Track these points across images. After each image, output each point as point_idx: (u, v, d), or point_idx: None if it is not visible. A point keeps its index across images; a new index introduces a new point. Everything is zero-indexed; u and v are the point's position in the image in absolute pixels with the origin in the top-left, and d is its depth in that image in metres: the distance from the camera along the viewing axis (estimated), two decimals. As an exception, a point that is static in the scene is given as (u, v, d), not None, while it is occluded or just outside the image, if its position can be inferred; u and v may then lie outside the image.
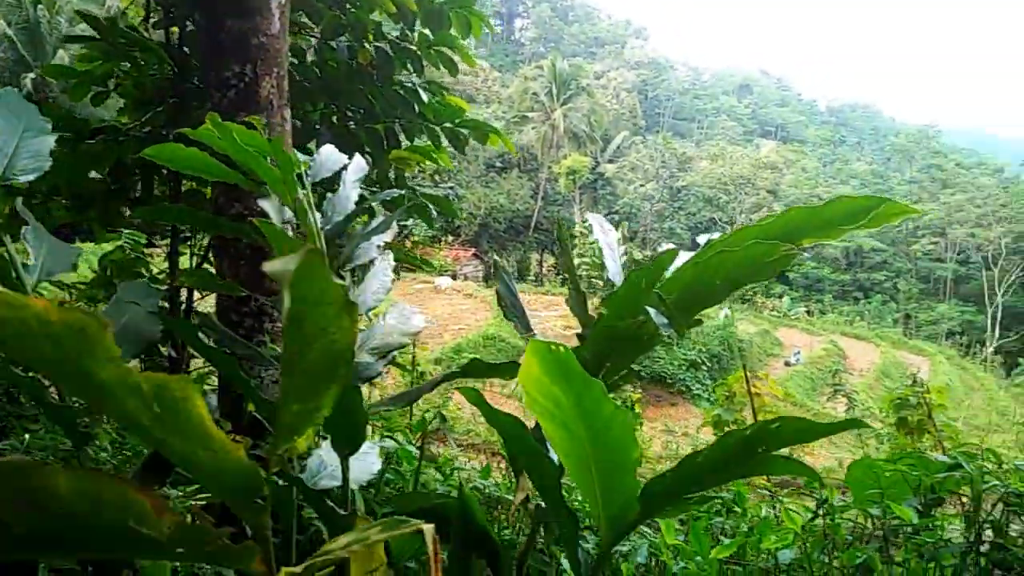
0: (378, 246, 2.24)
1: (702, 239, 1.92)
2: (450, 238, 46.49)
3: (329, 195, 2.20)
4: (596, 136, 59.48)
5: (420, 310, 2.39)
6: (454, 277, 41.36)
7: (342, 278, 2.10)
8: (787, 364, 36.48)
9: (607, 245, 2.21)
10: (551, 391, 1.26)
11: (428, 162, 4.81)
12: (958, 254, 55.71)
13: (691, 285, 1.68)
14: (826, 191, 59.83)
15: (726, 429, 6.30)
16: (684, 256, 1.88)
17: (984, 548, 2.62)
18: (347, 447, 1.71)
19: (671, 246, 1.98)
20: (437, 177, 51.94)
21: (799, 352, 37.52)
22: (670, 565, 2.27)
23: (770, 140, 73.97)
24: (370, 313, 2.18)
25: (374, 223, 2.18)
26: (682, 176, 58.43)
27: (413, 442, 3.52)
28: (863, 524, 3.01)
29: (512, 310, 1.98)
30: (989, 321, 52.54)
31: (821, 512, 2.92)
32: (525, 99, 59.64)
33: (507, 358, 25.83)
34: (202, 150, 1.83)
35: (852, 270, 59.69)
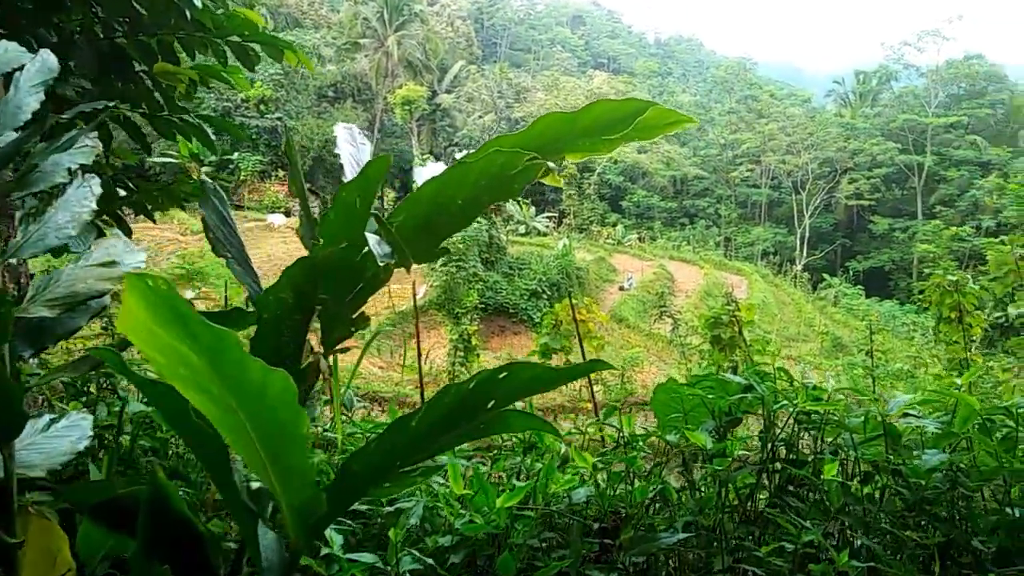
0: (73, 168, 1.76)
1: (459, 155, 1.62)
2: (281, 173, 44.07)
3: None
4: (432, 65, 57.99)
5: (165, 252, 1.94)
6: (288, 214, 39.38)
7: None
8: (621, 289, 38.19)
9: (351, 162, 1.83)
10: (172, 347, 0.91)
11: (223, 84, 4.20)
12: (772, 180, 60.13)
13: (431, 205, 1.39)
14: (655, 121, 62.17)
15: (553, 357, 6.28)
16: (433, 169, 1.57)
17: (777, 466, 2.64)
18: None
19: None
20: (263, 107, 48.85)
21: (632, 277, 39.33)
22: (453, 521, 2.05)
23: (603, 72, 75.48)
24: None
25: (67, 140, 1.72)
26: (519, 107, 58.51)
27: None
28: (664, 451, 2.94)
29: (224, 243, 1.60)
30: (798, 241, 57.51)
31: (621, 443, 2.83)
32: (356, 24, 56.84)
33: (346, 296, 24.92)
34: None
35: (679, 198, 62.95)
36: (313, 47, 50.48)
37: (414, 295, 8.55)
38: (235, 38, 4.23)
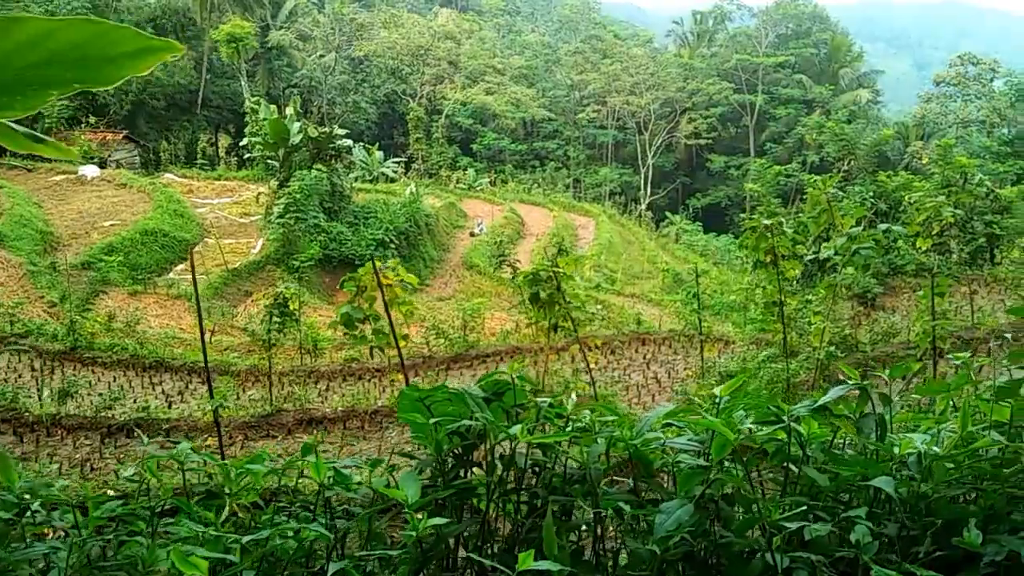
0: None
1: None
2: (92, 119, 39.76)
3: None
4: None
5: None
6: (103, 165, 35.68)
7: None
8: (472, 234, 37.79)
9: None
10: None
11: None
12: (617, 121, 61.25)
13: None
14: (502, 62, 61.42)
15: (358, 328, 5.62)
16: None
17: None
18: None
19: None
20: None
21: (482, 222, 38.99)
22: None
23: (449, 8, 73.34)
24: None
25: None
26: (361, 45, 55.80)
27: None
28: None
29: None
30: (642, 181, 59.27)
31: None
32: (175, -48, 51.63)
33: (174, 254, 22.71)
34: None
35: (529, 140, 62.96)
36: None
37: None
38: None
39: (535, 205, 46.66)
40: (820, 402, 1.89)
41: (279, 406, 8.95)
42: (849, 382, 2.02)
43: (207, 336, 20.81)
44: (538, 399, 2.12)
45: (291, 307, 8.92)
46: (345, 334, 5.78)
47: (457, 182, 50.40)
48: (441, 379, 12.31)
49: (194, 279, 5.56)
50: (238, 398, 11.54)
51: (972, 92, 58.60)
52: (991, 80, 58.64)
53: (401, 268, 5.51)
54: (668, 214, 53.26)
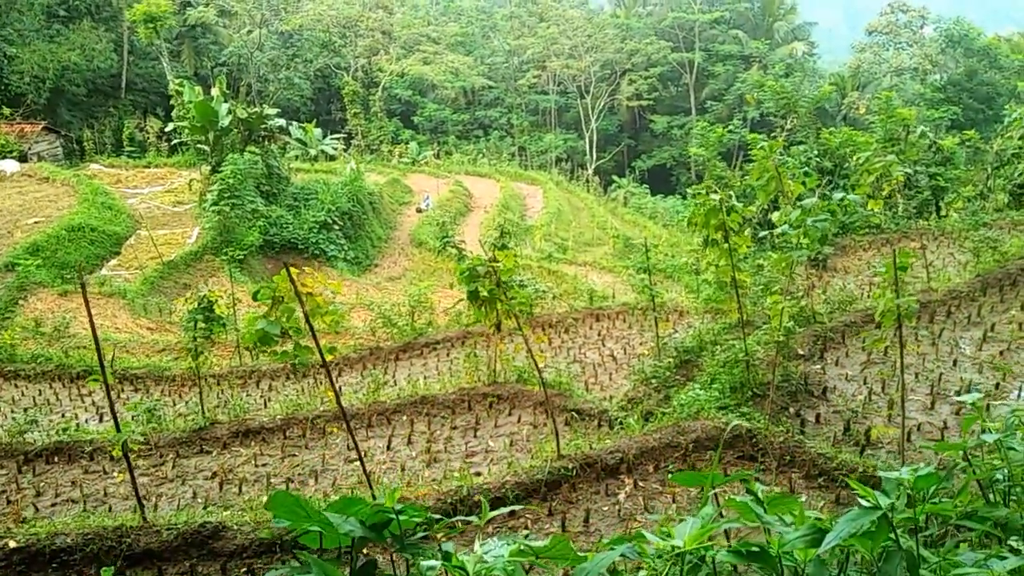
0: None
1: None
2: (7, 111, 37.53)
3: None
4: (184, -24, 51.46)
5: None
6: (23, 159, 33.71)
7: None
8: (418, 211, 36.95)
9: None
10: None
11: None
12: (558, 85, 60.52)
13: None
14: (437, 30, 59.95)
15: (275, 347, 5.06)
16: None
17: None
18: None
19: None
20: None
21: (428, 197, 38.14)
22: None
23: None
24: None
25: None
26: (288, 19, 53.79)
27: None
28: None
29: None
30: (588, 145, 58.86)
31: None
32: (83, -72, 48.68)
33: (104, 250, 21.52)
34: None
35: (471, 109, 61.88)
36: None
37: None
38: None
39: (481, 176, 45.90)
40: (828, 543, 1.46)
41: (212, 417, 8.35)
42: (864, 504, 1.59)
43: (148, 334, 19.81)
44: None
45: (218, 310, 8.25)
46: (261, 350, 5.22)
47: (400, 156, 49.26)
48: (390, 372, 11.81)
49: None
50: (174, 405, 10.88)
51: (904, 40, 59.43)
52: (921, 27, 59.51)
53: (321, 274, 4.96)
54: (615, 178, 53.03)
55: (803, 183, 7.50)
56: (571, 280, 23.80)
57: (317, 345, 4.90)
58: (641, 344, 11.73)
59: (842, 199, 6.00)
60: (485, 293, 5.50)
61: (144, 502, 7.71)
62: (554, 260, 27.76)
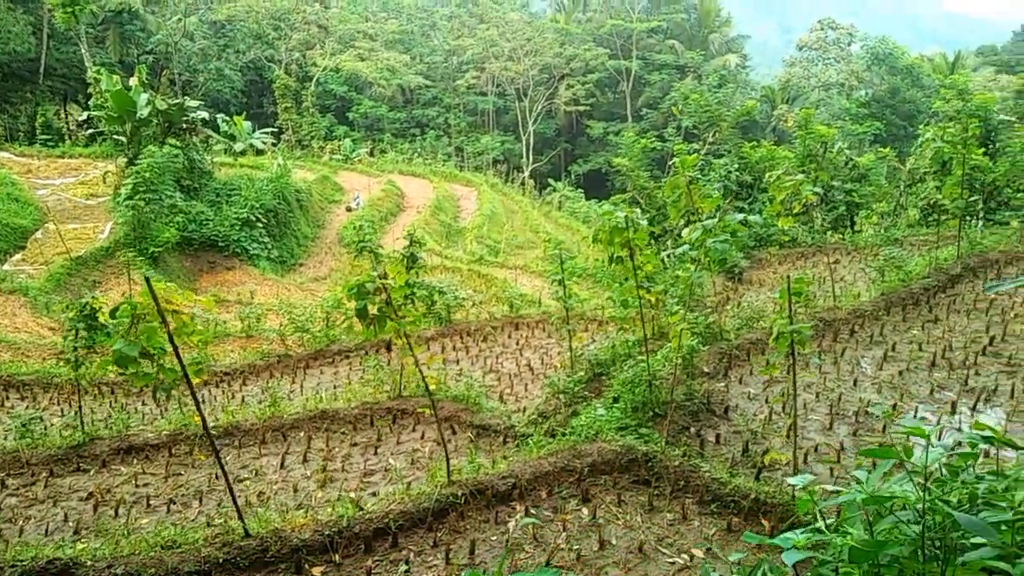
0: None
1: None
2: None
3: None
4: (108, -43, 49.34)
5: None
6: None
7: None
8: (348, 209, 36.21)
9: None
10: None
11: None
12: (497, 87, 60.37)
13: None
14: (375, 27, 59.06)
15: (135, 370, 4.64)
16: None
17: None
18: None
19: None
20: None
21: (359, 196, 37.41)
22: None
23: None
24: None
25: None
26: (219, 9, 52.15)
27: None
28: None
29: None
30: (524, 148, 58.86)
31: None
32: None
33: (8, 244, 20.23)
34: None
35: (408, 108, 61.15)
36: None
37: None
38: None
39: (415, 176, 45.33)
40: None
41: (93, 433, 7.79)
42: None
43: (49, 335, 18.69)
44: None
45: (101, 317, 7.69)
46: (120, 375, 4.81)
47: (332, 153, 48.26)
48: (298, 381, 11.36)
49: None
50: (61, 415, 10.20)
51: (832, 56, 61.34)
52: (848, 44, 61.53)
53: (189, 292, 4.58)
54: (551, 181, 53.14)
55: (714, 200, 7.44)
56: (501, 283, 23.61)
57: (182, 367, 4.52)
58: (559, 354, 11.59)
59: (743, 220, 5.93)
60: (375, 311, 5.20)
61: (9, 525, 7.15)
62: (485, 263, 27.54)
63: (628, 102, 60.82)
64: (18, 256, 23.78)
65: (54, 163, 33.64)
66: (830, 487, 2.45)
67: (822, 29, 61.54)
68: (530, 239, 37.62)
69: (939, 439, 6.24)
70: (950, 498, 2.16)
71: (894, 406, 7.19)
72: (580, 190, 52.07)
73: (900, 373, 7.90)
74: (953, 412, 6.96)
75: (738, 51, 65.28)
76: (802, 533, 2.13)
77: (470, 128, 61.15)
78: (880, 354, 8.36)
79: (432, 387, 5.62)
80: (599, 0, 68.32)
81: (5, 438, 8.85)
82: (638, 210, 6.32)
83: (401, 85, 58.69)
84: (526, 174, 54.40)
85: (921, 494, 2.09)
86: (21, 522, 6.87)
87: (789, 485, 5.16)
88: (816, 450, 6.38)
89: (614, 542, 5.13)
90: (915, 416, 7.00)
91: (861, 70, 57.79)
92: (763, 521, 5.11)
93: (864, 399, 7.34)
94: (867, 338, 8.93)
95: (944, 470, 2.34)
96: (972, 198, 11.50)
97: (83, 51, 35.80)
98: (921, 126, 16.91)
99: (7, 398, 11.16)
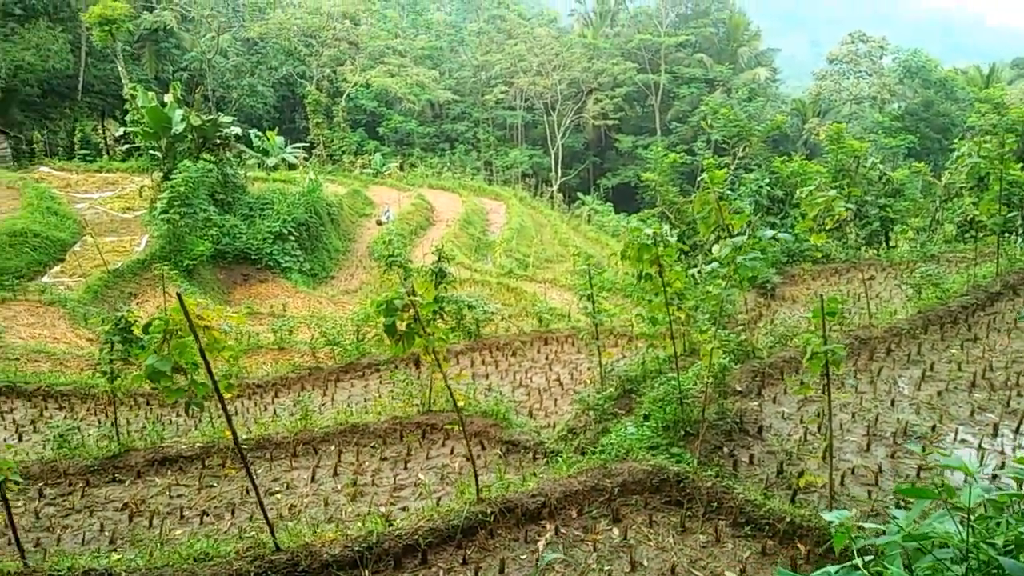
0: None
1: None
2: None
3: None
4: (146, -23, 50.63)
5: None
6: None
7: None
8: (379, 223, 36.51)
9: None
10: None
11: None
12: (525, 102, 60.62)
13: None
14: (404, 43, 59.73)
15: (167, 384, 4.71)
16: None
17: None
18: None
19: None
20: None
21: (389, 210, 37.73)
22: None
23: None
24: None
25: None
26: (252, 26, 53.12)
27: None
28: None
29: None
30: (553, 162, 58.96)
31: None
32: (42, -74, 47.57)
33: (48, 256, 20.74)
34: None
35: (437, 122, 61.63)
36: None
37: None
38: None
39: (444, 190, 45.62)
40: None
41: (128, 444, 7.91)
42: None
43: (87, 346, 19.03)
44: None
45: (136, 331, 7.82)
46: (154, 388, 4.88)
47: (362, 167, 48.76)
48: (329, 394, 11.43)
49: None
50: (99, 426, 10.37)
51: (863, 69, 60.70)
52: (880, 57, 60.86)
53: (220, 307, 4.64)
54: (580, 195, 53.13)
55: (743, 217, 7.37)
56: (530, 297, 23.58)
57: (213, 382, 4.57)
58: (588, 369, 11.53)
59: (774, 236, 5.86)
60: (403, 327, 5.22)
61: (47, 534, 7.28)
62: (514, 276, 27.56)
63: (657, 116, 60.69)
64: (57, 268, 24.31)
65: (92, 177, 34.42)
66: (867, 524, 2.39)
67: (853, 42, 60.97)
68: (559, 252, 37.58)
69: (980, 464, 6.09)
70: (995, 540, 2.10)
71: (933, 427, 7.04)
72: (609, 203, 51.97)
73: (939, 393, 7.73)
74: (995, 435, 6.79)
75: (768, 64, 64.88)
76: (837, 571, 2.08)
77: (499, 142, 61.43)
78: (918, 374, 8.19)
79: (461, 403, 5.61)
80: (627, 15, 68.41)
81: (44, 448, 9.03)
82: (667, 225, 6.28)
83: (430, 100, 59.19)
84: (555, 188, 54.46)
85: (965, 535, 2.03)
86: (59, 531, 6.99)
87: (826, 520, 5.06)
88: (853, 472, 6.26)
89: (646, 564, 5.07)
90: (955, 439, 6.84)
91: (893, 83, 57.10)
92: (799, 545, 5.02)
93: (902, 420, 7.19)
94: (904, 357, 8.76)
95: (988, 506, 2.28)
96: (1011, 214, 11.27)
97: (120, 68, 36.67)
98: (956, 140, 16.64)
99: (46, 408, 11.37)
